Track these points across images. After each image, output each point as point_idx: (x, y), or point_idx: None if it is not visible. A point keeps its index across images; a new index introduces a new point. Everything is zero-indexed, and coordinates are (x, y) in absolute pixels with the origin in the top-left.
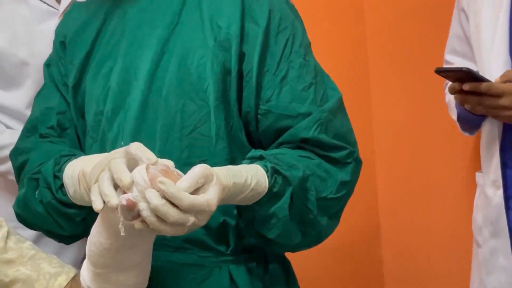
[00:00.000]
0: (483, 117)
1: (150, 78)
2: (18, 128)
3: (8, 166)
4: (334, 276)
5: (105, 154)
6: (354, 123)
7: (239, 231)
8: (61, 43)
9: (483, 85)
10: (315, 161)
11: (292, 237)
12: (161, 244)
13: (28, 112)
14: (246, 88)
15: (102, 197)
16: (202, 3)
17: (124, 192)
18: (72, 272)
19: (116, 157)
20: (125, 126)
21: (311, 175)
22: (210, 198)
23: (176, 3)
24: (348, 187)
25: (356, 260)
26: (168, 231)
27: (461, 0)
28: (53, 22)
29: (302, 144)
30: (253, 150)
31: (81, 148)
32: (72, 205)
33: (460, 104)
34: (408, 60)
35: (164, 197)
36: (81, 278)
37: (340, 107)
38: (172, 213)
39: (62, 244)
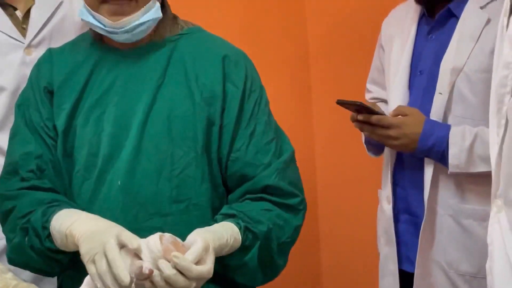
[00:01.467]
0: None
1: (142, 126)
2: None
3: None
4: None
5: (100, 224)
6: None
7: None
8: (45, 88)
9: (374, 117)
10: (274, 212)
11: (257, 280)
12: None
13: None
14: (223, 138)
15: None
16: (185, 63)
17: (136, 256)
18: None
19: (111, 243)
20: (121, 168)
21: (273, 227)
22: (210, 267)
23: (162, 61)
24: (298, 231)
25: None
26: None
27: (381, 37)
28: (19, 55)
29: (264, 192)
30: (225, 206)
31: (59, 182)
32: (59, 251)
33: (360, 130)
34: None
35: (175, 267)
36: None
37: (292, 159)
38: (181, 281)
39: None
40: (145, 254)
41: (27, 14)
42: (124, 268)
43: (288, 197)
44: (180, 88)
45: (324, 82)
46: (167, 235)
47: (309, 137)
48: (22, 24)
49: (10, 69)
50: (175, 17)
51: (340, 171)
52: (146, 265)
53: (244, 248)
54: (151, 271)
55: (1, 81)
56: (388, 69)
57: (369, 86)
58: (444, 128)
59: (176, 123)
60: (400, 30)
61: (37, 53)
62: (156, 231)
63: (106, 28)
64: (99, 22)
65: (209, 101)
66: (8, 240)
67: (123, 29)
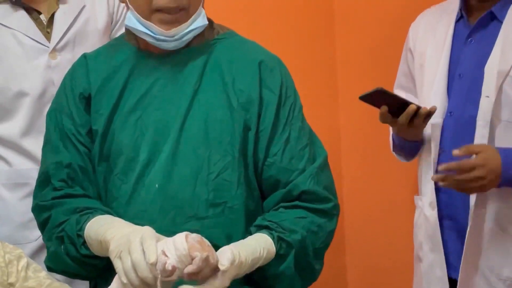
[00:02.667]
0: (416, 144)
1: (179, 131)
2: (13, 159)
3: None
4: None
5: (127, 228)
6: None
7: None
8: (80, 94)
9: (454, 164)
10: (308, 219)
11: (295, 286)
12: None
13: (23, 143)
14: (259, 142)
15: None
16: (222, 68)
17: (164, 254)
18: None
19: (136, 242)
20: (158, 171)
21: (307, 235)
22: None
23: (199, 65)
24: (332, 235)
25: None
26: None
27: (409, 40)
28: (44, 59)
29: (298, 199)
30: (259, 218)
31: (91, 188)
32: (95, 257)
33: (397, 133)
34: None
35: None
36: None
37: (326, 163)
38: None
39: None
40: (171, 252)
41: (51, 19)
42: (147, 267)
43: (322, 202)
44: (217, 93)
45: (350, 89)
46: (194, 235)
47: (335, 141)
48: (46, 29)
49: (36, 73)
50: (210, 21)
51: (366, 176)
52: (170, 261)
53: (279, 257)
54: (174, 268)
55: (27, 86)
56: (421, 74)
57: (397, 92)
58: None
59: (213, 127)
60: (432, 34)
61: (62, 57)
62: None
63: (156, 36)
64: (149, 30)
65: (246, 106)
66: (47, 248)
67: (173, 38)
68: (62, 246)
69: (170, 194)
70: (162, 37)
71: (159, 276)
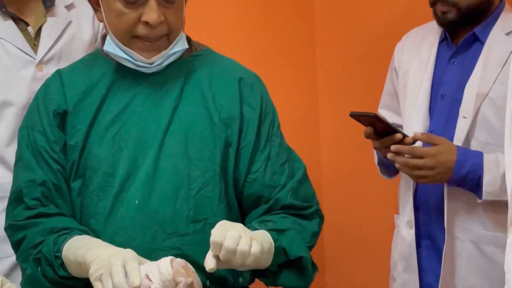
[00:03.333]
0: None
1: (159, 146)
2: None
3: None
4: None
5: (109, 250)
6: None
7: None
8: (55, 110)
9: (405, 148)
10: (291, 218)
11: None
12: None
13: (7, 150)
14: (240, 159)
15: None
16: (201, 83)
17: (148, 278)
18: None
19: (117, 264)
20: (138, 188)
21: (293, 228)
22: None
23: (178, 81)
24: (316, 237)
25: None
26: None
27: (394, 60)
28: (30, 70)
29: (281, 209)
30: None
31: (65, 205)
32: (73, 278)
33: (379, 150)
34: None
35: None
36: None
37: (305, 176)
38: None
39: None
40: (155, 276)
41: (38, 31)
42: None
43: (303, 210)
44: (197, 109)
45: (331, 106)
46: (178, 259)
47: (315, 156)
48: (33, 41)
49: (22, 84)
50: (188, 38)
51: (347, 191)
52: (154, 286)
53: (277, 249)
54: None
55: (12, 96)
56: (404, 93)
57: (381, 111)
58: (477, 155)
59: (193, 143)
60: (417, 54)
61: (47, 70)
62: (174, 251)
63: (136, 63)
64: (129, 56)
65: (227, 122)
66: (21, 270)
67: (154, 64)
68: (39, 268)
69: (150, 211)
70: (143, 64)
71: None
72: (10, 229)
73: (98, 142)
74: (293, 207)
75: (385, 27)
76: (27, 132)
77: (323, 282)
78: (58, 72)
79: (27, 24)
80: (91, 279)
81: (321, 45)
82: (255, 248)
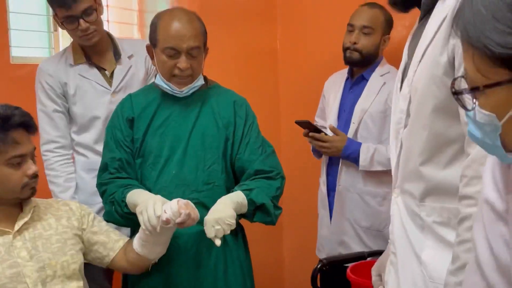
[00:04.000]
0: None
1: (187, 141)
2: (89, 155)
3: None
4: None
5: (148, 196)
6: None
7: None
8: (127, 118)
9: (317, 135)
10: (260, 181)
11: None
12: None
13: (95, 146)
14: (233, 147)
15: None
16: (212, 104)
17: (165, 211)
18: (126, 239)
19: (150, 204)
20: (175, 164)
21: (261, 186)
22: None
23: (198, 103)
24: (280, 190)
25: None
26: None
27: (324, 89)
28: (107, 97)
29: (255, 174)
30: (234, 188)
31: (132, 173)
32: (132, 214)
33: (309, 143)
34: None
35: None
36: (133, 244)
37: (272, 153)
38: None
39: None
40: (168, 210)
41: (112, 74)
42: (155, 219)
43: (269, 173)
44: (210, 119)
45: (289, 114)
46: (183, 200)
47: (277, 149)
48: (109, 79)
49: (103, 106)
50: (205, 77)
51: (299, 174)
52: (167, 215)
53: (249, 201)
54: (168, 220)
55: (98, 113)
56: (327, 109)
57: (316, 118)
58: (357, 144)
59: (207, 139)
60: (334, 87)
61: (118, 96)
62: (194, 200)
63: (173, 91)
64: (169, 87)
65: (227, 126)
66: (105, 209)
67: (183, 92)
68: (113, 207)
69: (181, 177)
70: (177, 92)
71: (161, 224)
72: (99, 185)
73: (151, 136)
74: (262, 172)
75: (330, 55)
76: (111, 129)
77: (280, 235)
78: (130, 95)
79: (104, 70)
80: (137, 213)
81: (282, 66)
82: (231, 228)
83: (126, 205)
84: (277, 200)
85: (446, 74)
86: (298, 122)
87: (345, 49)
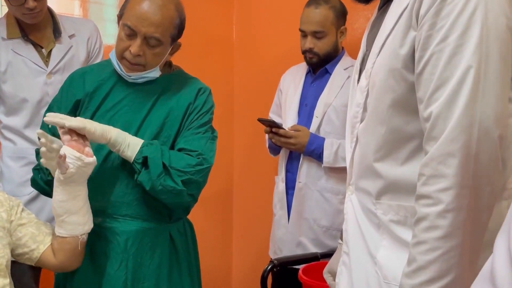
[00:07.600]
0: (280, 147)
1: (138, 128)
2: (18, 141)
3: None
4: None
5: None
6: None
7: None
8: (75, 99)
9: (281, 131)
10: (179, 153)
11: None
12: (135, 217)
13: (25, 132)
14: (182, 132)
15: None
16: (171, 92)
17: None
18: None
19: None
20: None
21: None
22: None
23: (157, 88)
24: (193, 168)
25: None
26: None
27: (280, 84)
28: (42, 78)
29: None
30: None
31: None
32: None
33: (270, 138)
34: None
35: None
36: (55, 230)
37: (206, 138)
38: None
39: (52, 217)
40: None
41: (49, 52)
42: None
43: (191, 152)
44: (166, 109)
45: (242, 110)
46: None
47: (229, 147)
48: (46, 58)
49: (36, 87)
50: (170, 62)
51: (253, 168)
52: (61, 152)
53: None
54: (63, 156)
55: (29, 95)
56: (285, 104)
57: (270, 114)
58: (321, 139)
59: (159, 130)
60: (293, 80)
61: (54, 78)
62: (138, 196)
63: (121, 73)
64: (118, 67)
65: (183, 116)
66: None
67: (131, 77)
68: (39, 175)
69: (127, 167)
70: (124, 75)
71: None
72: (37, 154)
73: (99, 119)
74: (184, 150)
75: (280, 55)
76: (52, 103)
77: (230, 235)
78: (83, 71)
79: (41, 47)
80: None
81: (238, 61)
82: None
83: (50, 173)
84: (181, 174)
85: (406, 68)
86: (260, 120)
87: (303, 52)
